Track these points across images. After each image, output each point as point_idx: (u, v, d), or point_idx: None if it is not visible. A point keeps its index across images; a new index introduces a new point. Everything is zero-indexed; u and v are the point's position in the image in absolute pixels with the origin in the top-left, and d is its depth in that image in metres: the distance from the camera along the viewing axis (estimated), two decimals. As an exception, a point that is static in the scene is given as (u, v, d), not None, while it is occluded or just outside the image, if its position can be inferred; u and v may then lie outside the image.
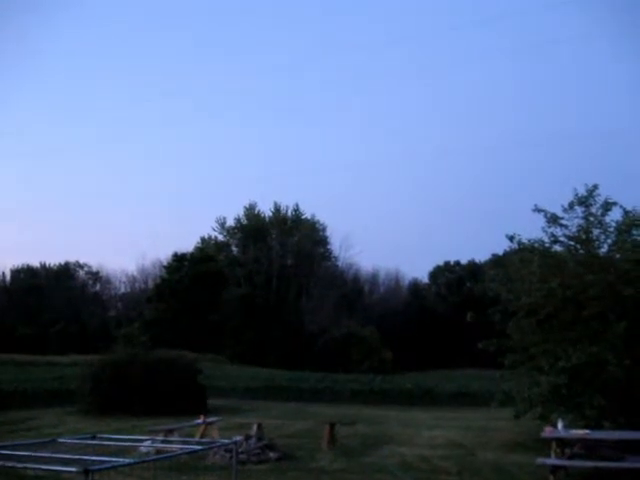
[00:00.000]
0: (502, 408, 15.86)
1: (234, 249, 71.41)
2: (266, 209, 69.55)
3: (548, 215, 14.99)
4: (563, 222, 14.95)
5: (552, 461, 10.84)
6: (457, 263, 75.17)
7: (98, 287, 76.72)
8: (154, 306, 62.81)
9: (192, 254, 66.28)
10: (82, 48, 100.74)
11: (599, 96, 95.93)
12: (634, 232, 14.51)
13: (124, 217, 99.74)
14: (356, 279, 73.74)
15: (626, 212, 14.58)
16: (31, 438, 13.34)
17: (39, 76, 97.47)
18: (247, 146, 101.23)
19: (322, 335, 58.09)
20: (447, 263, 75.65)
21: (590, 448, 11.46)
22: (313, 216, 69.06)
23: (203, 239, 71.72)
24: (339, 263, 71.55)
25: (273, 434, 15.76)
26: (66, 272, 73.43)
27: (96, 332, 62.74)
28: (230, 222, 70.28)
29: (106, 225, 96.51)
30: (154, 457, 8.89)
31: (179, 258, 65.26)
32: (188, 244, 71.49)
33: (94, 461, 5.91)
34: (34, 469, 6.31)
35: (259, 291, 63.92)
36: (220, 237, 71.60)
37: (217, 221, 70.57)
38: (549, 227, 15.09)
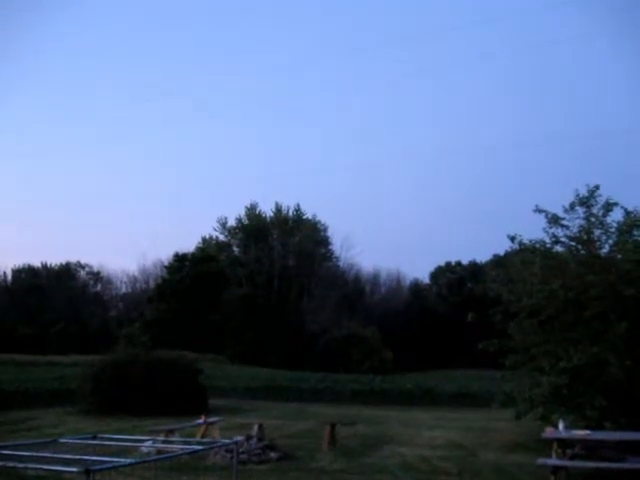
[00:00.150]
0: (503, 409, 15.86)
1: (235, 249, 71.47)
2: (267, 209, 69.76)
3: (549, 216, 14.98)
4: (564, 223, 14.94)
5: (553, 462, 10.83)
6: (458, 263, 75.18)
7: (99, 287, 76.78)
8: (155, 306, 62.85)
9: (193, 254, 66.31)
10: (82, 48, 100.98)
11: (599, 96, 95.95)
12: (635, 232, 14.50)
13: (125, 217, 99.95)
14: (357, 279, 73.78)
15: (627, 212, 14.57)
16: (32, 438, 13.35)
17: (39, 76, 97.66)
18: (248, 146, 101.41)
19: (323, 335, 58.13)
20: (448, 263, 75.67)
21: (591, 449, 11.45)
22: (314, 216, 69.23)
23: (204, 239, 71.81)
24: (340, 263, 71.68)
25: (274, 434, 15.77)
26: (67, 272, 73.48)
27: (97, 332, 62.78)
28: (231, 222, 70.49)
29: (107, 225, 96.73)
30: (155, 457, 8.90)
31: (180, 258, 65.29)
32: (189, 244, 71.75)
33: (95, 461, 5.92)
34: (35, 469, 6.32)
35: (260, 291, 63.95)
36: (221, 237, 71.77)
37: (218, 221, 70.74)
38: (550, 228, 15.08)
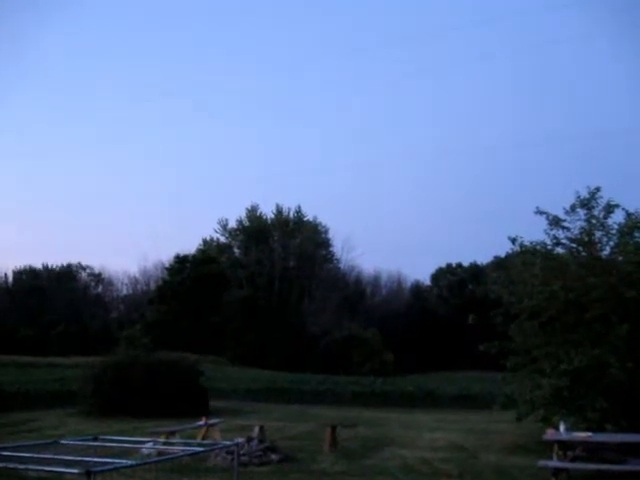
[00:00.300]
0: (504, 411, 15.86)
1: (236, 251, 71.42)
2: (268, 211, 69.68)
3: (550, 217, 14.99)
4: (565, 224, 14.95)
5: (554, 464, 10.84)
6: (459, 265, 75.14)
7: (100, 289, 76.74)
8: (156, 308, 62.82)
9: (194, 256, 66.29)
10: (82, 47, 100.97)
11: (600, 96, 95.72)
12: (636, 234, 14.51)
13: (126, 218, 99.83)
14: (358, 281, 73.74)
15: (628, 214, 14.59)
16: (33, 439, 13.35)
17: (39, 75, 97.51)
18: (248, 147, 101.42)
19: (324, 337, 58.08)
20: (449, 265, 75.63)
21: (592, 451, 11.45)
22: (315, 218, 69.15)
23: (205, 241, 71.78)
24: (341, 265, 71.58)
25: (275, 436, 15.78)
26: (68, 273, 73.45)
27: (98, 334, 62.73)
28: (232, 224, 70.39)
29: (108, 226, 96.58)
30: (156, 459, 8.89)
31: (181, 260, 65.28)
32: (190, 246, 71.69)
33: (96, 463, 5.92)
34: (36, 471, 6.32)
35: (261, 293, 63.93)
36: (222, 239, 71.68)
37: (219, 223, 70.69)
38: (551, 229, 15.10)
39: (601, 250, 14.91)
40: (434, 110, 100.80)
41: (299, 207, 68.73)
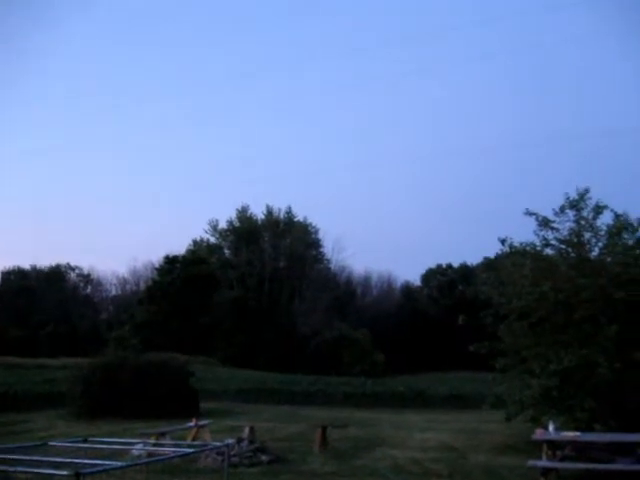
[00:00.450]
0: (494, 411, 15.91)
1: (226, 251, 71.36)
2: (258, 212, 69.67)
3: (540, 218, 15.04)
4: (554, 225, 15.00)
5: (543, 463, 10.88)
6: (449, 266, 75.37)
7: (89, 289, 76.51)
8: (145, 308, 62.64)
9: (184, 256, 66.17)
10: (82, 47, 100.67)
11: (592, 99, 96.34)
12: (625, 235, 14.58)
13: (116, 219, 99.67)
14: (349, 282, 73.84)
15: (617, 215, 14.64)
16: (22, 441, 13.27)
17: (36, 76, 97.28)
18: (239, 148, 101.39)
19: (314, 338, 58.09)
20: (439, 266, 75.85)
21: (581, 450, 11.50)
22: (305, 218, 69.19)
23: (195, 241, 71.71)
24: (331, 266, 71.66)
25: (265, 437, 15.77)
26: (57, 274, 73.15)
27: (87, 335, 62.52)
28: (222, 224, 70.36)
29: (97, 227, 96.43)
30: (146, 460, 8.87)
31: (171, 260, 65.13)
32: (180, 246, 71.50)
33: (85, 464, 5.91)
34: (25, 472, 6.29)
35: (251, 294, 63.87)
36: (212, 239, 71.63)
37: (209, 223, 70.63)
38: (541, 230, 15.15)
39: (590, 251, 14.98)
40: (428, 112, 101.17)
41: (289, 208, 68.86)
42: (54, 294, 67.32)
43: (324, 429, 15.23)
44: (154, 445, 11.77)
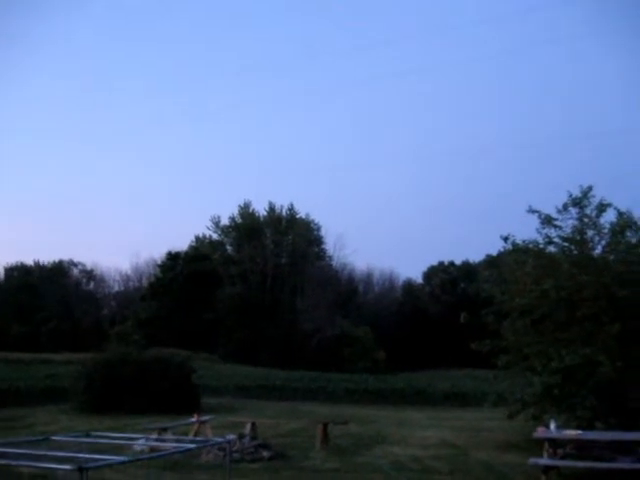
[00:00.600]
0: (495, 408, 15.91)
1: (228, 248, 71.33)
2: (261, 208, 69.58)
3: (542, 216, 15.01)
4: (557, 223, 14.98)
5: (544, 461, 10.89)
6: (451, 263, 75.26)
7: (92, 285, 76.51)
8: (148, 305, 62.73)
9: (186, 253, 66.21)
10: (80, 47, 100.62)
11: (597, 96, 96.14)
12: (628, 233, 14.56)
13: (118, 215, 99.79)
14: (350, 279, 73.75)
15: (620, 213, 14.62)
16: (25, 436, 13.34)
17: (35, 74, 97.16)
18: (241, 145, 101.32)
19: (316, 335, 58.11)
20: (441, 263, 75.73)
21: (582, 448, 11.52)
22: (307, 215, 69.11)
23: (197, 238, 71.70)
24: (333, 263, 71.53)
25: (267, 433, 15.80)
26: (60, 270, 73.19)
27: (89, 330, 62.65)
28: (225, 221, 70.27)
29: (100, 223, 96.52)
30: (148, 455, 8.91)
31: (173, 257, 65.18)
32: (182, 243, 71.55)
33: (88, 459, 5.93)
34: (29, 467, 6.32)
35: (253, 290, 63.88)
36: (215, 236, 71.58)
37: (212, 220, 70.55)
38: (543, 228, 15.12)
39: (593, 249, 14.96)
40: (429, 110, 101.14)
41: (291, 204, 68.77)
42: (57, 290, 67.40)
43: (325, 426, 15.25)
44: (156, 440, 11.82)
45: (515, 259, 15.40)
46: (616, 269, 13.88)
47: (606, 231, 14.72)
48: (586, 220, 14.74)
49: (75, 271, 75.43)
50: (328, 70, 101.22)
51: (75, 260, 74.35)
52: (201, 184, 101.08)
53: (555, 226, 15.00)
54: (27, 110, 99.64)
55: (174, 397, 22.11)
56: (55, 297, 66.00)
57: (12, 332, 59.11)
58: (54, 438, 8.11)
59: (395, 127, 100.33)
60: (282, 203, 68.94)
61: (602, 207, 14.64)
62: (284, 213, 68.99)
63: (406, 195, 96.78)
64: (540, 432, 11.39)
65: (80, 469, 5.29)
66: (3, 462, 6.31)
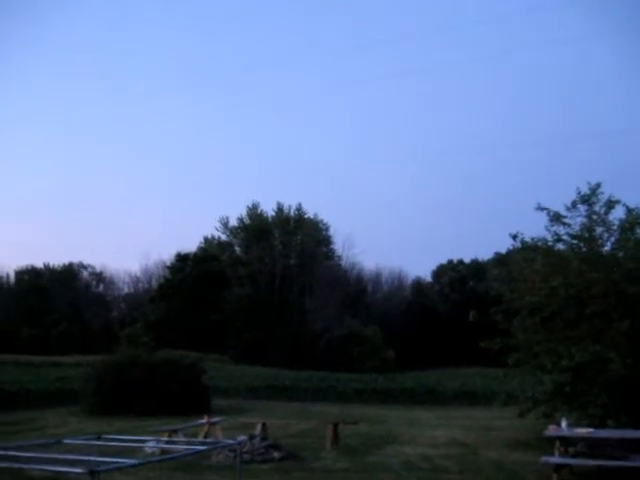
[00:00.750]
0: (505, 407, 15.87)
1: (237, 249, 71.42)
2: (269, 209, 69.63)
3: (551, 214, 14.96)
4: (566, 221, 14.91)
5: (556, 460, 10.85)
6: (460, 262, 75.13)
7: (101, 287, 76.82)
8: (157, 306, 62.89)
9: (195, 254, 66.36)
10: (81, 48, 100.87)
11: (603, 95, 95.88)
12: (637, 230, 14.47)
13: (127, 218, 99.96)
14: (359, 278, 73.71)
15: (629, 210, 14.54)
16: (35, 438, 13.39)
17: (41, 74, 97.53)
18: (249, 145, 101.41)
19: (325, 334, 58.11)
20: (450, 262, 75.62)
21: (593, 446, 11.46)
22: (316, 215, 69.11)
23: (206, 239, 71.82)
24: (342, 262, 71.54)
25: (277, 434, 15.80)
26: (70, 273, 73.53)
27: (99, 332, 62.89)
28: (233, 222, 70.35)
29: (109, 226, 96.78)
30: (159, 458, 8.92)
31: (182, 258, 65.33)
32: (191, 244, 71.77)
33: (100, 462, 5.95)
34: (40, 470, 6.34)
35: (262, 291, 63.93)
36: (223, 237, 71.69)
37: (220, 221, 70.64)
38: (552, 226, 15.06)
39: (602, 246, 14.89)
40: (436, 108, 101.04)
41: (300, 205, 68.78)
42: (67, 293, 67.70)
43: (336, 426, 15.24)
44: (166, 442, 11.84)
45: (524, 257, 15.34)
46: (625, 266, 13.82)
47: (615, 228, 14.65)
48: (595, 217, 14.68)
49: (85, 273, 75.80)
50: (336, 70, 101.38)
51: (85, 263, 74.83)
52: (209, 185, 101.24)
53: (564, 223, 14.94)
54: (34, 112, 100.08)
55: (184, 399, 22.15)
56: (65, 300, 66.27)
57: (22, 335, 59.40)
58: (65, 441, 8.14)
59: (403, 125, 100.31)
60: (290, 203, 69.07)
61: (611, 204, 14.57)
62: (292, 213, 69.03)
63: (414, 194, 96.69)
64: (551, 430, 11.35)
65: (91, 472, 5.31)
66: (15, 465, 6.33)
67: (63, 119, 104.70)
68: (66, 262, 73.60)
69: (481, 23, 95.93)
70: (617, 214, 14.65)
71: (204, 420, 15.71)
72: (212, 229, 71.77)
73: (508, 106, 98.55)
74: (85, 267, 74.90)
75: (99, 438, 8.14)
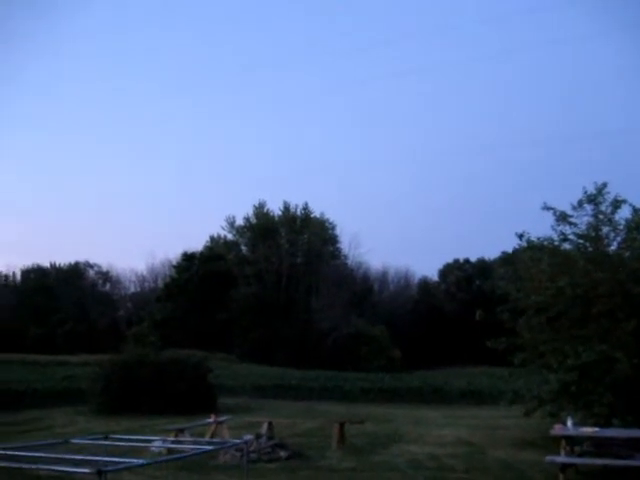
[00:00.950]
0: (511, 406, 15.87)
1: (243, 248, 71.46)
2: (275, 208, 69.66)
3: (557, 213, 14.95)
4: (572, 220, 14.90)
5: (562, 459, 10.85)
6: (467, 261, 75.04)
7: (108, 287, 76.95)
8: (163, 305, 62.99)
9: (201, 253, 66.42)
10: (82, 48, 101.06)
11: (603, 95, 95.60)
12: (644, 230, 14.46)
13: (134, 217, 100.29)
14: (366, 277, 73.68)
15: (635, 210, 14.51)
16: (43, 438, 13.45)
17: (44, 76, 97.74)
18: (256, 144, 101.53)
19: (331, 334, 58.11)
20: (457, 261, 75.53)
21: (599, 446, 11.46)
22: (322, 214, 69.09)
23: (212, 238, 71.91)
24: (348, 261, 71.52)
25: (283, 433, 15.83)
26: (76, 272, 73.67)
27: (105, 332, 62.98)
28: (239, 221, 70.40)
29: (116, 225, 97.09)
30: (166, 457, 8.96)
31: (188, 257, 65.41)
32: (197, 243, 71.78)
33: (107, 462, 5.98)
34: (48, 470, 6.37)
35: (268, 290, 63.96)
36: (229, 236, 71.76)
37: (226, 220, 70.72)
38: (558, 225, 15.05)
39: (608, 246, 14.87)
40: (443, 107, 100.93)
41: (306, 204, 68.79)
42: (73, 292, 67.83)
43: (342, 425, 15.26)
44: (173, 442, 11.88)
45: (530, 256, 15.33)
46: (631, 266, 13.81)
47: (621, 227, 14.63)
48: (601, 217, 14.66)
49: (91, 273, 75.95)
50: (342, 69, 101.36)
51: (91, 262, 74.98)
52: (216, 184, 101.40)
53: (570, 223, 14.93)
54: (40, 111, 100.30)
55: (191, 398, 22.20)
56: (71, 299, 66.41)
57: (29, 334, 59.55)
58: (73, 441, 8.18)
59: (409, 124, 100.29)
60: (297, 202, 69.09)
61: (617, 203, 14.55)
62: (299, 212, 69.02)
63: (417, 193, 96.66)
64: (557, 430, 11.35)
65: (99, 472, 5.34)
66: (23, 466, 6.38)
67: (68, 119, 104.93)
68: (72, 261, 73.86)
69: (481, 23, 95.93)
70: (623, 214, 14.65)
71: (211, 419, 15.75)
72: (218, 228, 71.98)
73: (508, 106, 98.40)
74: (91, 266, 75.09)
75: (106, 438, 8.18)
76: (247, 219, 69.72)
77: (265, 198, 69.69)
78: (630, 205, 14.56)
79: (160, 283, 72.04)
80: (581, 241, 15.03)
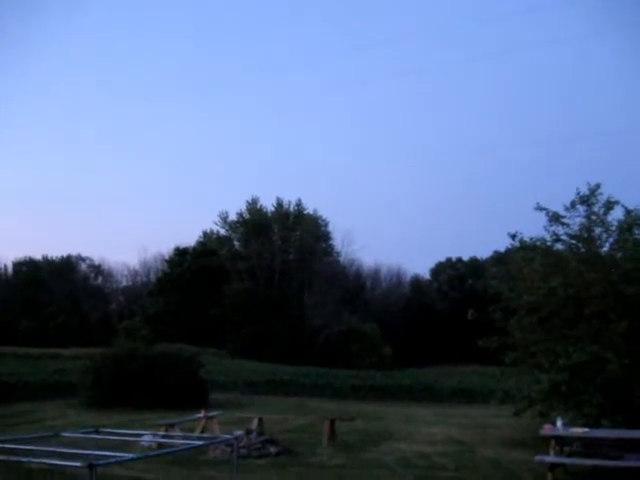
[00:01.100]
0: (502, 405, 15.92)
1: (236, 244, 71.38)
2: (268, 204, 69.57)
3: (550, 214, 14.99)
4: (565, 221, 14.94)
5: (551, 459, 10.89)
6: (459, 260, 75.19)
7: (100, 280, 76.73)
8: (155, 300, 62.92)
9: (194, 248, 66.35)
10: (82, 48, 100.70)
11: (603, 95, 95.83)
12: (636, 231, 14.49)
13: (126, 211, 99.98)
14: (358, 275, 73.75)
15: (628, 211, 14.56)
16: (33, 431, 13.42)
17: (42, 73, 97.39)
18: (249, 140, 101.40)
19: (323, 330, 58.16)
20: (449, 260, 75.68)
21: (589, 446, 11.50)
22: (315, 211, 69.08)
23: (205, 233, 71.79)
24: (341, 259, 71.57)
25: (274, 429, 15.84)
26: (68, 265, 73.40)
27: (97, 325, 62.84)
28: (232, 217, 70.29)
29: (108, 218, 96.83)
30: (156, 452, 8.95)
31: (181, 252, 65.33)
32: (190, 238, 71.68)
33: (98, 456, 5.98)
34: (38, 463, 6.37)
35: (261, 286, 63.95)
36: (222, 231, 71.65)
37: (219, 215, 70.61)
38: (551, 226, 15.09)
39: (600, 247, 14.92)
40: (436, 107, 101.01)
41: (299, 200, 68.76)
42: (65, 285, 67.62)
43: (332, 422, 15.28)
44: (163, 436, 11.88)
45: (523, 256, 15.36)
46: (624, 267, 13.85)
47: (614, 229, 14.67)
48: (594, 218, 14.70)
49: (83, 266, 75.69)
50: (336, 68, 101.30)
51: (83, 255, 74.69)
52: (209, 180, 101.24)
53: (563, 224, 14.97)
54: (35, 107, 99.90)
55: (182, 392, 22.19)
56: (63, 292, 66.22)
57: (20, 327, 59.36)
58: (64, 434, 8.17)
59: (402, 123, 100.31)
60: (290, 199, 69.06)
61: (610, 205, 14.59)
62: (292, 209, 68.99)
63: (414, 192, 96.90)
64: (547, 429, 11.38)
65: (90, 466, 5.34)
66: (13, 459, 6.37)
67: (64, 114, 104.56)
68: (64, 254, 73.54)
69: (481, 23, 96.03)
70: (616, 215, 14.70)
71: (201, 414, 15.75)
72: (211, 224, 71.89)
73: (508, 106, 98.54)
74: (83, 259, 74.83)
75: (97, 431, 8.17)
76: (240, 215, 69.67)
77: (258, 194, 69.75)
78: (622, 206, 14.62)
79: (152, 277, 71.97)
80: (574, 242, 15.08)
